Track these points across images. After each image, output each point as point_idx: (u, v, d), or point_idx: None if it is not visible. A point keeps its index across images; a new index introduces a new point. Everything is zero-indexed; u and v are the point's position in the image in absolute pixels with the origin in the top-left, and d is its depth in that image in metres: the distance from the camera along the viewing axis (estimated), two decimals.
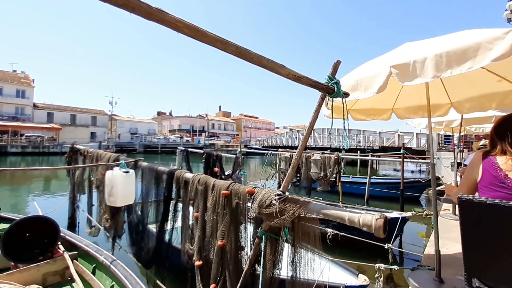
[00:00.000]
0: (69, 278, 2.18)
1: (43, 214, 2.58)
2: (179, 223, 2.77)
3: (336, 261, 3.00)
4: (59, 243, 2.45)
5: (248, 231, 2.06)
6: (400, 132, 21.51)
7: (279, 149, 10.93)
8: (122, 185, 2.78)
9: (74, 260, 2.29)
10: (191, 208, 2.55)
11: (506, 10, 10.69)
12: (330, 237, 4.16)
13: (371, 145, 24.15)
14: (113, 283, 2.07)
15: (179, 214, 2.76)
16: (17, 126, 33.00)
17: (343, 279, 2.75)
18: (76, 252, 2.37)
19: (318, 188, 7.35)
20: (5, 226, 2.74)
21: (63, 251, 2.30)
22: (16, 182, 12.78)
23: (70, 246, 2.46)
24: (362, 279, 2.71)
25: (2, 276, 1.85)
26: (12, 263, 2.16)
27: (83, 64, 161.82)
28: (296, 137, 33.04)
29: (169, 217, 2.89)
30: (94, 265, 2.28)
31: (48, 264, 2.16)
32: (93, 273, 2.23)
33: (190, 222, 2.57)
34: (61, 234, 2.56)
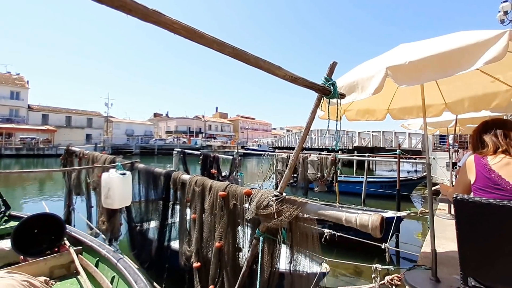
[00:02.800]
0: (74, 271, 2.30)
1: (50, 212, 2.72)
2: (176, 225, 2.76)
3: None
4: (65, 238, 2.58)
5: (245, 233, 2.06)
6: (396, 132, 21.73)
7: (276, 149, 10.94)
8: (119, 187, 2.76)
9: (79, 255, 2.41)
10: (188, 210, 2.55)
11: (499, 11, 10.82)
12: (327, 237, 4.17)
13: (347, 145, 24.71)
14: (114, 274, 2.18)
15: (177, 216, 2.75)
16: (12, 128, 32.61)
17: (307, 266, 2.89)
18: (81, 247, 2.49)
19: (315, 189, 7.37)
20: (15, 224, 2.89)
21: (69, 246, 2.43)
22: (11, 185, 12.63)
23: (75, 241, 2.58)
24: (324, 267, 3.01)
25: (12, 268, 1.95)
26: (22, 257, 2.28)
27: (78, 64, 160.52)
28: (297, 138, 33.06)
29: (167, 219, 2.88)
30: (97, 258, 2.39)
31: (55, 258, 2.29)
32: (96, 266, 2.34)
33: (188, 224, 2.56)
34: (67, 230, 2.69)
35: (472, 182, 1.43)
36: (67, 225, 2.70)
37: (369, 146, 22.46)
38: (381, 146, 21.99)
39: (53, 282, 2.10)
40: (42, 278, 1.95)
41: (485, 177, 1.36)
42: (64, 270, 2.32)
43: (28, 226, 2.37)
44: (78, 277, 2.24)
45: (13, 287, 1.39)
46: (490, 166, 1.36)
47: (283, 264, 1.69)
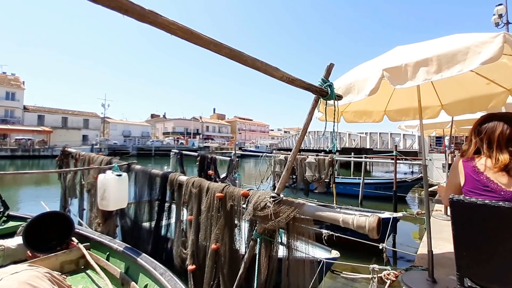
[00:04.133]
0: (82, 267, 2.42)
1: (58, 210, 2.77)
2: (172, 226, 2.75)
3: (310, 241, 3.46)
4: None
5: (242, 234, 2.05)
6: (392, 133, 21.89)
7: (274, 151, 10.95)
8: (115, 189, 2.75)
9: (88, 250, 2.50)
10: (185, 211, 2.53)
11: (494, 14, 10.98)
12: (325, 238, 4.17)
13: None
14: (129, 265, 2.23)
15: (173, 217, 2.74)
16: (7, 129, 32.30)
17: (318, 254, 3.19)
18: (88, 244, 2.56)
19: (314, 190, 7.40)
20: (14, 224, 2.98)
21: (77, 243, 2.50)
22: (5, 186, 12.49)
23: (83, 238, 2.65)
24: (334, 253, 3.26)
25: (27, 263, 1.99)
26: (29, 255, 2.35)
27: (74, 65, 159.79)
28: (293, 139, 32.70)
29: (163, 221, 2.87)
30: (108, 253, 2.46)
31: (65, 253, 2.38)
32: (107, 259, 2.42)
33: (184, 226, 2.55)
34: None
35: (462, 185, 1.43)
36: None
37: (357, 147, 22.98)
38: (368, 147, 22.51)
39: (65, 276, 2.17)
40: (56, 273, 1.98)
41: (474, 180, 1.36)
42: (73, 265, 2.41)
43: (38, 224, 2.45)
44: (88, 271, 2.35)
45: (38, 278, 1.44)
46: (478, 169, 1.36)
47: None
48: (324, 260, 2.90)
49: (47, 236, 2.46)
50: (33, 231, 2.39)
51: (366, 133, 23.90)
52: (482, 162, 1.36)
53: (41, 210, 2.77)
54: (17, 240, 2.46)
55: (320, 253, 3.35)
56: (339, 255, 3.24)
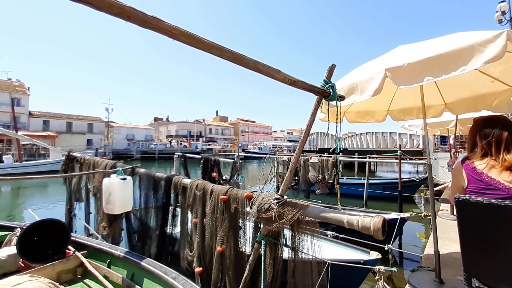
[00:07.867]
0: (80, 276, 2.34)
1: (53, 218, 2.66)
2: (177, 229, 2.76)
3: (347, 243, 3.67)
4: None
5: (247, 236, 2.05)
6: (391, 132, 21.95)
7: (277, 152, 10.95)
8: (120, 192, 2.76)
9: (86, 258, 2.43)
10: (189, 214, 2.54)
11: (497, 11, 10.88)
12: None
13: (315, 146, 27.40)
14: (134, 271, 2.16)
15: (178, 220, 2.75)
16: None
17: (357, 257, 3.24)
18: (86, 252, 2.49)
19: (316, 191, 7.36)
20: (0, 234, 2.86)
21: (74, 251, 2.43)
22: (11, 191, 12.61)
23: (79, 246, 2.58)
24: (375, 255, 3.21)
25: (23, 274, 1.92)
26: (22, 265, 2.27)
27: (78, 70, 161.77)
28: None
29: (168, 224, 2.88)
30: (109, 260, 2.40)
31: (62, 263, 2.30)
32: (109, 267, 2.35)
33: (189, 228, 2.56)
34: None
35: (465, 186, 1.45)
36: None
37: (345, 147, 24.15)
38: (344, 147, 23.87)
39: (63, 287, 2.11)
40: (57, 284, 1.95)
41: (477, 180, 1.39)
42: (70, 275, 2.33)
43: (32, 232, 2.35)
44: (86, 280, 2.27)
45: None
46: (478, 170, 1.39)
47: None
48: (363, 261, 3.01)
49: (41, 245, 2.36)
50: (26, 240, 2.28)
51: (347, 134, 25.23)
52: (483, 163, 1.40)
53: (29, 219, 2.68)
54: (6, 251, 2.36)
55: (356, 255, 3.36)
56: (381, 256, 3.17)
